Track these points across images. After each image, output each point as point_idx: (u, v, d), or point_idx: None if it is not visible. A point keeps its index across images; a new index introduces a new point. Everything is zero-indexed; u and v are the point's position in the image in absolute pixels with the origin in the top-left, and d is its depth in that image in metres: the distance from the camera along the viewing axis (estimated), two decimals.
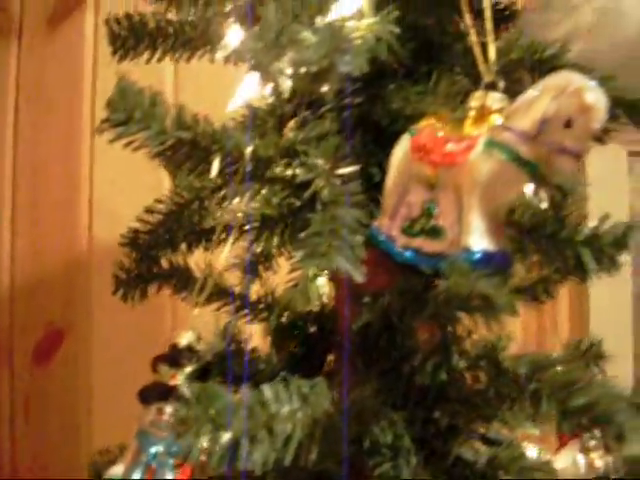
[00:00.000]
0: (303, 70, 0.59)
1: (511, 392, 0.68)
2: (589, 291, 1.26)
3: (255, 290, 0.83)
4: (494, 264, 0.61)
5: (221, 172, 0.74)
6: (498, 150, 0.60)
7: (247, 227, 0.79)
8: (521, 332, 1.26)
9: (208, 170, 0.71)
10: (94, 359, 1.23)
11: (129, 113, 0.67)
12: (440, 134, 0.63)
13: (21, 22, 1.26)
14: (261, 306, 0.81)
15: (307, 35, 0.60)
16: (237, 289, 0.82)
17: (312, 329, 0.81)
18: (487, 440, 0.80)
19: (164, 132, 0.69)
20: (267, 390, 0.63)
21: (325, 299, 0.81)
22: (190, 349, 0.70)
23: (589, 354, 0.89)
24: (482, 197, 0.61)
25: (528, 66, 0.73)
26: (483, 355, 0.68)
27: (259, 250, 0.82)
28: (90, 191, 1.26)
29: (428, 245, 0.62)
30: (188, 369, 0.69)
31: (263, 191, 0.78)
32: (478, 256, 0.60)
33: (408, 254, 0.63)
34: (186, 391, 0.55)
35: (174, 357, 0.69)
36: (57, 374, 1.24)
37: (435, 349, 0.70)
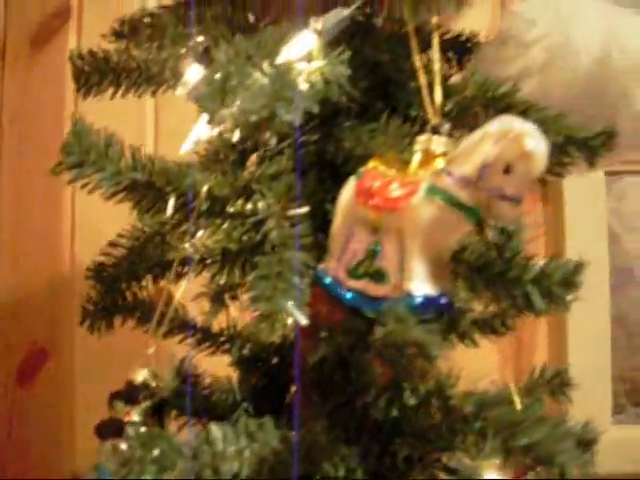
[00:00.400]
0: (245, 118, 0.60)
1: (460, 429, 0.70)
2: (568, 313, 1.26)
3: (218, 322, 0.85)
4: (436, 308, 0.62)
5: (178, 210, 0.76)
6: (439, 196, 0.61)
7: (209, 261, 0.81)
8: (497, 354, 1.27)
9: (164, 209, 0.73)
10: (77, 379, 1.25)
11: (83, 155, 0.70)
12: (385, 177, 0.64)
13: (4, 44, 1.28)
14: (222, 338, 0.83)
15: (251, 82, 0.62)
16: (199, 321, 0.84)
17: (274, 361, 0.83)
18: (448, 469, 0.82)
19: (119, 173, 0.70)
20: (215, 429, 0.64)
21: (287, 330, 0.83)
22: (146, 386, 0.72)
23: (554, 382, 0.90)
24: (424, 242, 0.62)
25: (482, 103, 0.74)
26: (433, 392, 0.70)
27: (223, 282, 0.84)
28: (72, 212, 1.28)
29: (372, 288, 0.64)
30: (143, 405, 0.70)
31: (225, 225, 0.80)
32: (419, 301, 0.61)
33: (352, 296, 0.64)
34: (131, 431, 0.57)
35: (129, 394, 0.70)
36: (40, 393, 1.26)
37: (387, 385, 0.71)
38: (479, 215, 0.61)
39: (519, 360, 1.28)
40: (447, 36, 0.86)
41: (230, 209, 0.76)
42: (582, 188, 1.20)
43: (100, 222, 1.24)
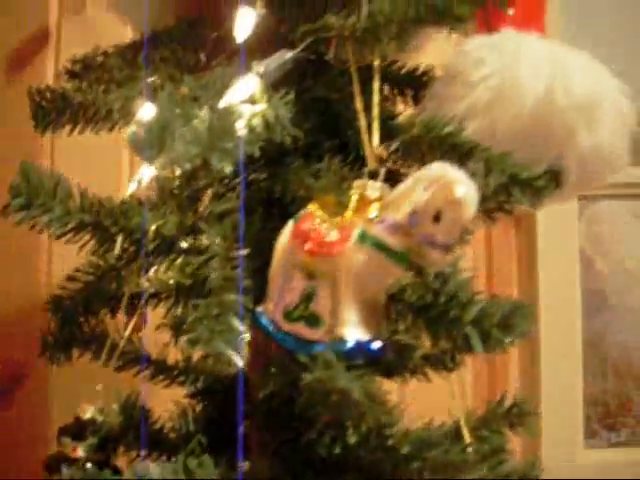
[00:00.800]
0: (179, 166, 0.62)
1: (401, 468, 0.71)
2: (540, 337, 1.28)
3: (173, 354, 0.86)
4: (367, 353, 0.64)
5: (128, 248, 0.78)
6: (370, 242, 0.62)
7: (164, 295, 0.83)
8: (472, 381, 1.28)
9: (113, 248, 0.75)
10: (53, 397, 1.26)
11: (31, 197, 0.71)
12: (321, 222, 0.66)
13: None
14: (177, 371, 0.85)
15: (187, 130, 0.63)
16: (153, 354, 0.85)
17: (228, 393, 0.84)
18: None
19: (67, 214, 0.72)
20: (153, 467, 0.66)
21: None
22: (93, 421, 0.73)
23: (513, 413, 0.91)
24: (356, 287, 0.63)
25: (428, 143, 0.75)
26: (373, 430, 0.71)
27: (179, 314, 0.85)
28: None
29: (307, 332, 0.65)
30: (89, 441, 0.72)
31: (178, 260, 0.81)
32: (351, 346, 0.63)
33: (288, 340, 0.66)
34: (65, 472, 0.58)
35: (76, 429, 0.72)
36: (16, 412, 1.27)
37: (331, 423, 0.72)
38: (409, 261, 0.62)
39: (493, 384, 1.29)
40: (403, 70, 0.88)
41: (184, 244, 0.78)
42: (555, 212, 1.20)
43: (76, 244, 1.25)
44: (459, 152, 0.74)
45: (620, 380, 1.33)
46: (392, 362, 0.80)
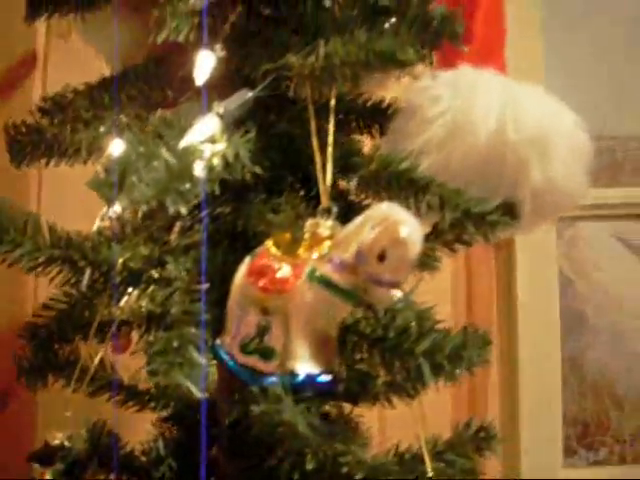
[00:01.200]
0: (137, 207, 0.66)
1: None
2: (519, 356, 1.31)
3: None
4: (318, 385, 0.68)
5: (97, 280, 0.82)
6: (319, 280, 0.66)
7: (136, 322, 0.87)
8: (452, 399, 1.31)
9: (82, 280, 0.79)
10: (38, 421, 1.30)
11: (1, 233, 0.76)
12: (275, 259, 0.69)
13: None
14: (147, 397, 0.89)
15: (146, 173, 0.67)
16: (125, 380, 0.89)
17: (198, 418, 0.88)
18: None
19: (37, 250, 0.77)
20: None
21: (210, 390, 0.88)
22: (61, 447, 0.77)
23: (479, 436, 0.94)
24: (307, 323, 0.67)
25: (386, 178, 0.79)
26: (329, 458, 0.74)
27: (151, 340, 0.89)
28: None
29: (261, 365, 0.69)
30: (57, 467, 0.76)
31: (149, 289, 0.85)
32: (301, 379, 0.67)
33: (243, 371, 0.69)
34: None
35: (45, 455, 0.76)
36: (2, 431, 1.31)
37: (291, 450, 0.76)
38: (357, 299, 0.66)
39: (473, 404, 1.32)
40: (369, 104, 0.91)
41: (153, 274, 0.82)
42: (533, 233, 1.23)
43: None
44: (415, 187, 0.78)
45: (599, 399, 1.37)
46: (355, 390, 0.84)
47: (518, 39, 1.35)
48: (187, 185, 0.67)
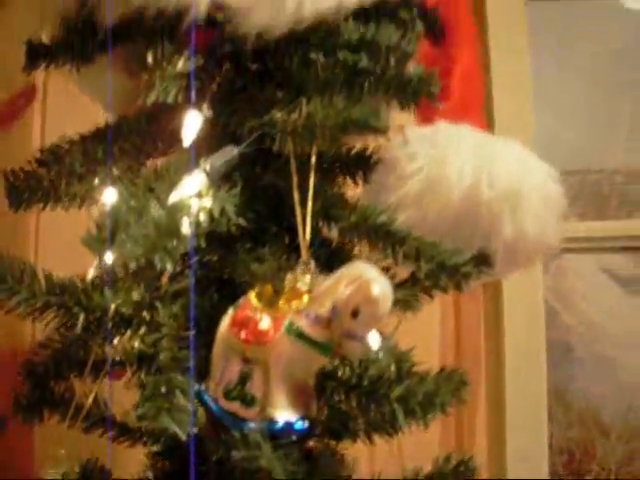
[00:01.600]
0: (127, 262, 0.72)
1: None
2: (506, 387, 1.37)
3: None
4: (296, 432, 0.74)
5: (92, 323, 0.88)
6: (295, 333, 0.72)
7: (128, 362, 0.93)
8: (439, 434, 1.37)
9: (76, 325, 0.85)
10: (36, 445, 1.36)
11: (1, 280, 0.82)
12: (256, 311, 0.75)
13: None
14: (139, 433, 0.95)
15: (135, 229, 0.73)
16: (118, 416, 0.95)
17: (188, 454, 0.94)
18: None
19: (33, 297, 0.83)
20: None
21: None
22: None
23: (459, 471, 0.99)
24: (286, 373, 0.73)
25: (364, 230, 0.85)
26: None
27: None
28: None
29: (242, 411, 0.75)
30: None
31: (141, 331, 0.91)
32: (280, 426, 0.73)
33: (226, 417, 0.75)
34: None
35: None
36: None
37: None
38: (331, 351, 0.72)
39: (460, 435, 1.38)
40: (352, 152, 0.97)
41: (145, 317, 0.88)
42: None
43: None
44: (392, 239, 0.84)
45: (584, 428, 1.42)
46: (336, 428, 0.90)
47: (506, 75, 1.42)
48: (174, 242, 0.74)
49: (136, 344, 0.91)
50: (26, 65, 0.94)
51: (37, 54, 0.92)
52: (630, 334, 1.43)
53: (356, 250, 0.90)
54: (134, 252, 0.72)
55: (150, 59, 0.78)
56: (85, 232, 0.77)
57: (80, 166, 0.84)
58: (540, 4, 1.44)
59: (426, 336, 1.19)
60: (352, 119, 0.74)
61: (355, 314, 0.70)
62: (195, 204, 0.78)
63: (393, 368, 0.83)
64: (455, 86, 0.89)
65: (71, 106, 1.26)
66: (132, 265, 0.72)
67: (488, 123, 1.37)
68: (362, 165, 0.96)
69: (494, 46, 1.37)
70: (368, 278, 0.71)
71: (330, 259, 0.91)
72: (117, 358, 0.93)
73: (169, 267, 0.72)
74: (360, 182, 0.95)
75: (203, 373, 0.80)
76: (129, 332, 0.89)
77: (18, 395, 0.96)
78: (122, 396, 1.00)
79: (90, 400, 0.90)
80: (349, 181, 0.98)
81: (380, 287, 0.70)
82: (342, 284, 0.71)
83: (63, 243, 1.27)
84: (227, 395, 0.76)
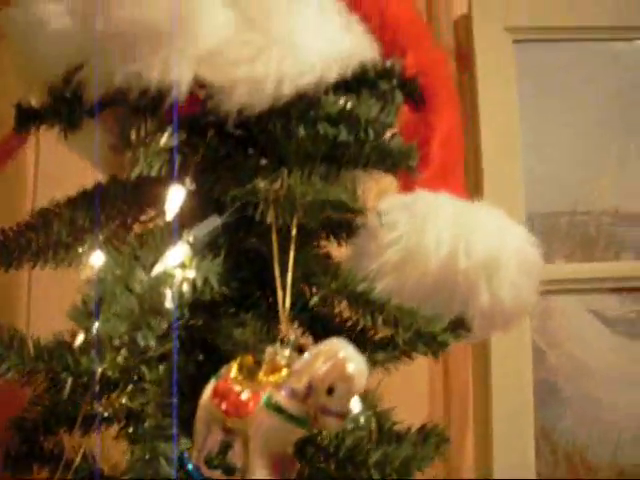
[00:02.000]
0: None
1: None
2: (493, 427, 1.41)
3: None
4: None
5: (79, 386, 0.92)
6: (274, 407, 0.76)
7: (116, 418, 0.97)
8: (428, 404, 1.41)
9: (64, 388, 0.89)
10: None
11: None
12: (236, 382, 0.79)
13: None
14: None
15: (120, 304, 0.77)
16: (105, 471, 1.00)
17: None
18: None
19: (22, 363, 0.87)
20: None
21: None
22: None
23: None
24: (264, 443, 0.77)
25: (345, 296, 0.89)
26: None
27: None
28: (27, 316, 1.44)
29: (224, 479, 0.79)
30: None
31: (128, 389, 0.95)
32: None
33: None
34: None
35: None
36: None
37: None
38: (307, 426, 0.76)
39: (448, 475, 1.42)
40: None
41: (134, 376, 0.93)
42: None
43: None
44: (372, 307, 0.89)
45: (571, 467, 1.46)
46: None
47: (493, 117, 1.46)
48: (158, 319, 0.78)
49: (123, 400, 0.96)
50: (16, 127, 0.98)
51: (27, 117, 0.97)
52: (616, 374, 1.47)
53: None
54: (118, 330, 0.76)
55: (134, 136, 0.82)
56: (71, 306, 0.82)
57: (67, 235, 0.88)
58: (527, 46, 1.48)
59: (414, 378, 1.23)
60: (329, 200, 0.78)
61: (331, 391, 0.74)
62: (179, 275, 0.83)
63: (374, 426, 0.88)
64: (435, 153, 0.93)
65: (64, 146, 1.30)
66: (115, 342, 0.77)
67: (476, 167, 1.44)
68: (345, 229, 1.00)
69: (481, 91, 1.41)
70: (344, 356, 0.74)
71: (312, 321, 0.96)
72: (105, 414, 1.00)
73: (152, 344, 0.76)
74: (343, 244, 0.99)
75: (188, 437, 0.85)
76: (116, 392, 0.94)
77: (8, 449, 1.01)
78: (110, 449, 1.05)
79: (79, 455, 0.94)
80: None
81: (355, 365, 0.74)
82: (319, 361, 0.75)
83: (56, 289, 1.33)
84: (209, 463, 0.80)
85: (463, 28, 1.49)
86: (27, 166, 1.44)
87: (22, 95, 0.99)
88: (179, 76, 0.79)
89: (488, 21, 1.45)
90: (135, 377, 0.91)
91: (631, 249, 1.52)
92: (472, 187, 1.43)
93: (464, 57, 1.47)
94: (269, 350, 0.81)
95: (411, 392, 1.31)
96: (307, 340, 0.95)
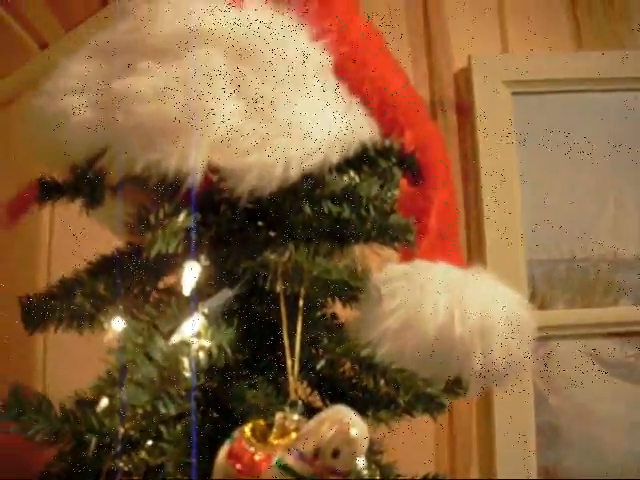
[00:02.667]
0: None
1: None
2: (496, 472, 1.51)
3: None
4: None
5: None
6: (284, 469, 0.87)
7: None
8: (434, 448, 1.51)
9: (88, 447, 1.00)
10: None
11: (21, 411, 0.97)
12: (249, 444, 0.90)
13: None
14: None
15: (141, 375, 0.88)
16: None
17: None
18: None
19: (50, 426, 0.98)
20: None
21: None
22: None
23: None
24: None
25: (350, 361, 1.00)
26: None
27: None
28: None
29: None
30: None
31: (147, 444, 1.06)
32: None
33: None
34: None
35: None
36: None
37: None
38: None
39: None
40: None
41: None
42: None
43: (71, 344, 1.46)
44: (374, 371, 0.99)
45: None
46: None
47: (493, 167, 1.57)
48: (177, 387, 0.89)
49: (142, 455, 1.07)
50: (38, 199, 1.09)
51: (49, 191, 1.08)
52: (616, 416, 1.57)
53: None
54: (140, 399, 0.87)
55: (152, 219, 0.93)
56: (97, 378, 0.92)
57: (90, 306, 0.99)
58: (525, 98, 1.59)
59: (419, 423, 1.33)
60: (333, 279, 0.89)
61: (336, 454, 0.85)
62: (195, 344, 0.94)
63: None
64: (432, 224, 1.04)
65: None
66: (137, 411, 0.87)
67: (477, 216, 1.54)
68: (349, 297, 1.11)
69: (481, 142, 1.52)
70: (347, 422, 0.85)
71: (319, 381, 1.07)
72: (126, 469, 1.10)
73: (172, 411, 0.87)
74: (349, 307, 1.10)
75: None
76: (137, 448, 1.05)
77: None
78: None
79: None
80: None
81: (358, 430, 0.85)
82: (325, 426, 0.86)
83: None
84: None
85: (463, 81, 1.60)
86: (42, 222, 1.54)
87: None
88: (195, 163, 0.90)
89: (487, 74, 1.57)
90: (154, 434, 1.02)
91: (629, 294, 1.63)
92: (474, 236, 1.54)
93: (464, 109, 1.59)
94: (279, 415, 0.91)
95: (415, 437, 1.40)
96: (315, 398, 1.06)
